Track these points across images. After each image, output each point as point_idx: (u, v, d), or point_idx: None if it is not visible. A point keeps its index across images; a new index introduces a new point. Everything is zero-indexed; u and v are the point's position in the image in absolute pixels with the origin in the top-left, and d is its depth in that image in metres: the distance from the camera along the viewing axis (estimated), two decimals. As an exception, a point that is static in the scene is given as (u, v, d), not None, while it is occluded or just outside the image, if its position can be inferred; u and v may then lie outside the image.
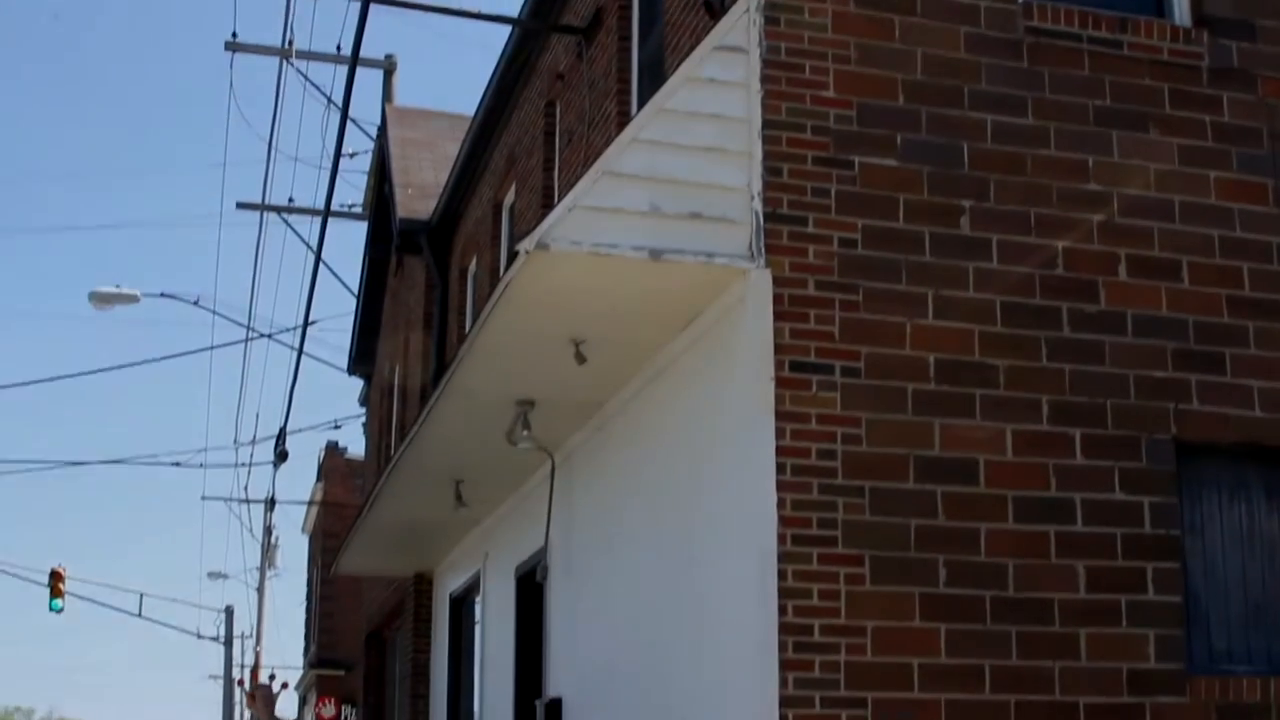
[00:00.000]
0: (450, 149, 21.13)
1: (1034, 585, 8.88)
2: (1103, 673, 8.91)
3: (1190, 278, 9.58)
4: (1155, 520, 9.19)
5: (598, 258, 8.81)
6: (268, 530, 50.76)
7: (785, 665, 8.40)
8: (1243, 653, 9.42)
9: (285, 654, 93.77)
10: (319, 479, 46.83)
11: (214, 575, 63.38)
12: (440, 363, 18.94)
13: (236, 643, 52.50)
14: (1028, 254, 9.31)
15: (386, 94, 28.83)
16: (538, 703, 13.01)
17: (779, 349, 8.77)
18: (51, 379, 58.13)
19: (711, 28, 9.40)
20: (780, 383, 8.72)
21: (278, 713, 16.38)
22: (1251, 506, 9.63)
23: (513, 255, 9.06)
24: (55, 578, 41.00)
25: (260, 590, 54.29)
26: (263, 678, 52.41)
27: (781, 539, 8.52)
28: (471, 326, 10.66)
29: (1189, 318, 9.52)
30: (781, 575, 8.48)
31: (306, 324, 22.54)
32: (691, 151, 8.97)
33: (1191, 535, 9.42)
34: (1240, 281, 9.67)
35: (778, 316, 8.81)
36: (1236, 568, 9.53)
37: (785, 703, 8.37)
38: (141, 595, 48.04)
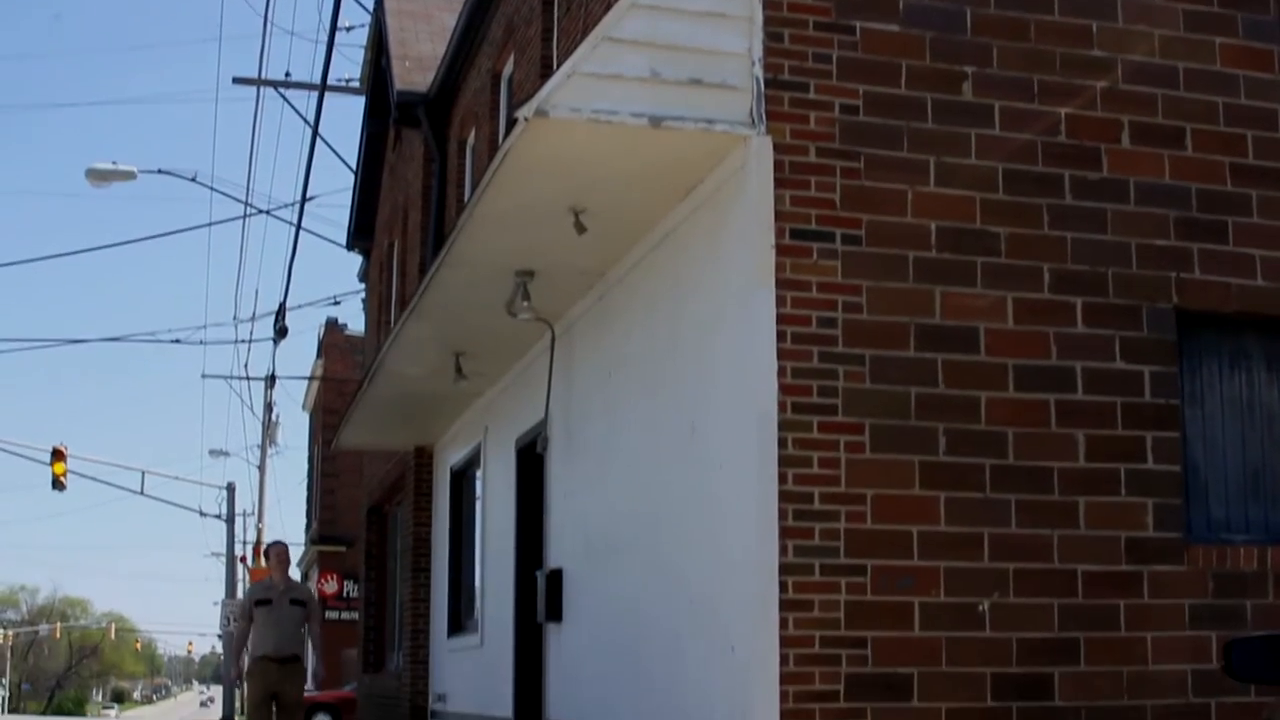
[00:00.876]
0: (448, 20, 20.92)
1: (1033, 454, 8.89)
2: (1101, 541, 8.95)
3: (1194, 145, 9.50)
4: (1155, 389, 9.19)
5: (597, 125, 8.74)
6: (268, 407, 50.86)
7: (785, 533, 8.44)
8: (1240, 522, 9.46)
9: (287, 531, 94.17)
10: (319, 355, 46.94)
11: (215, 453, 63.81)
12: (439, 236, 18.86)
13: (238, 520, 52.70)
14: (1030, 121, 9.23)
15: (383, -35, 28.48)
16: (539, 574, 13.08)
17: (779, 216, 8.73)
18: (50, 257, 58.00)
19: (712, -110, 9.25)
20: (781, 250, 8.68)
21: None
22: (1251, 376, 9.63)
23: (512, 123, 8.99)
24: (57, 456, 41.15)
25: (261, 467, 54.49)
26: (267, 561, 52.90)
27: (782, 407, 8.52)
28: (470, 197, 10.60)
29: (1191, 186, 9.46)
30: (781, 443, 8.50)
31: (304, 199, 22.49)
32: (692, 16, 8.86)
33: (1191, 405, 9.43)
34: (1244, 149, 9.59)
35: (778, 184, 8.76)
36: (1235, 437, 9.54)
37: (785, 570, 8.41)
38: (143, 473, 48.20)
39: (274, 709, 15.01)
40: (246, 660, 15.53)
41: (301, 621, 15.24)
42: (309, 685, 17.57)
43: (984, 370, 8.88)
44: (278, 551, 15.85)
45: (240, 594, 54.35)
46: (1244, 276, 9.47)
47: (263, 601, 15.15)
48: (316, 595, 47.55)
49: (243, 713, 50.63)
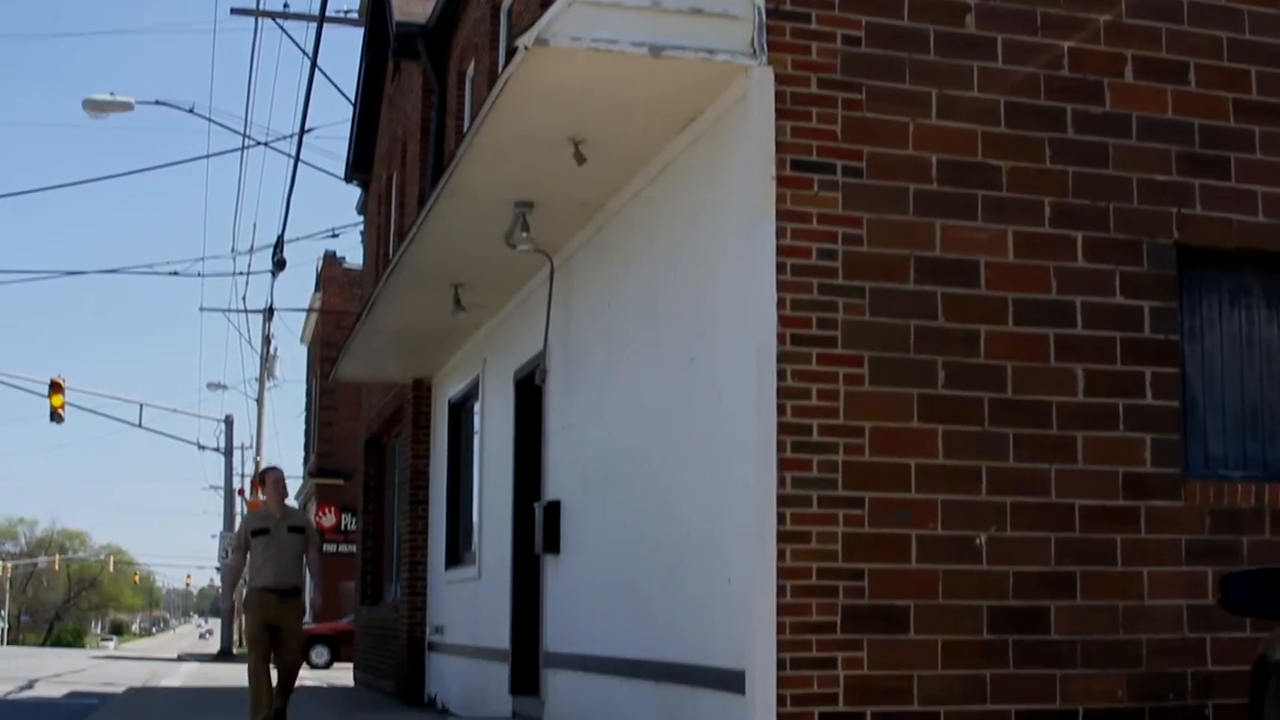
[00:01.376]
0: (448, -49, 20.78)
1: (1032, 388, 8.89)
2: (1099, 476, 8.96)
3: (1197, 80, 9.45)
4: (1155, 325, 9.18)
5: (597, 54, 8.68)
6: (266, 340, 50.86)
7: (783, 465, 8.45)
8: (1238, 458, 9.47)
9: (285, 464, 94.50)
10: (317, 289, 46.91)
11: (213, 386, 63.93)
12: (438, 168, 18.79)
13: (236, 453, 52.90)
14: (1033, 54, 9.18)
15: (383, -105, 28.30)
16: (536, 505, 13.11)
17: (780, 148, 8.69)
18: (48, 188, 57.84)
19: None
20: (781, 182, 8.65)
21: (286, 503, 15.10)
22: (1251, 313, 9.62)
23: (511, 52, 8.94)
24: (55, 388, 41.22)
25: (259, 400, 54.58)
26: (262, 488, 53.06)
27: (781, 339, 8.52)
28: (469, 127, 10.56)
29: (1194, 121, 9.42)
30: (780, 375, 8.49)
31: (303, 131, 22.47)
32: (694, -55, 8.79)
33: (1191, 340, 9.42)
34: (1247, 85, 9.54)
35: (779, 115, 8.72)
36: (1234, 374, 9.54)
37: (783, 502, 8.42)
38: (141, 406, 48.34)
39: (273, 642, 14.05)
40: (244, 592, 14.97)
41: (301, 550, 14.33)
42: (307, 617, 17.22)
43: (984, 304, 8.87)
44: (274, 478, 14.89)
45: (239, 526, 54.76)
46: (1245, 213, 9.44)
47: (260, 531, 14.28)
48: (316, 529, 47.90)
49: (240, 646, 50.91)
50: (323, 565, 15.12)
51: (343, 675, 30.39)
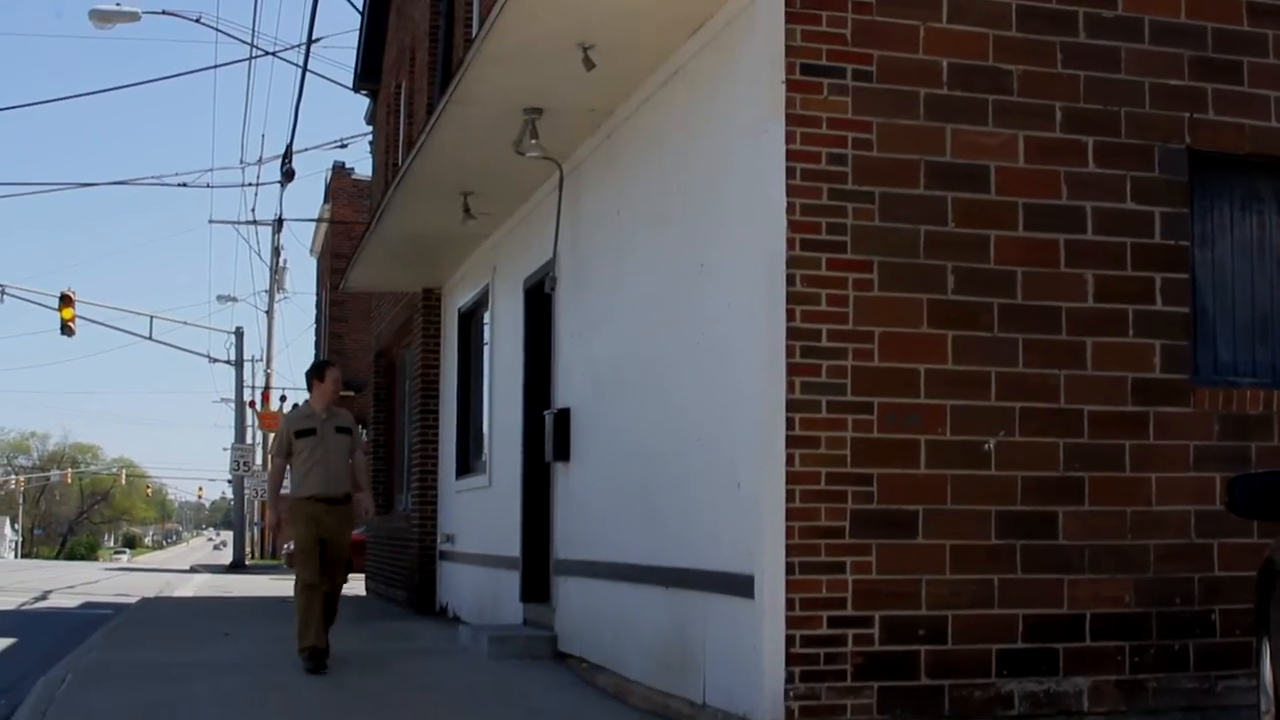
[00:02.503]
0: None
1: (1042, 293, 8.88)
2: (1108, 382, 8.96)
3: (1211, -17, 9.36)
4: (1165, 231, 9.15)
5: (606, -43, 8.62)
6: (276, 251, 50.87)
7: (792, 370, 8.45)
8: (1247, 365, 9.46)
9: (295, 376, 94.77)
10: (326, 200, 46.79)
11: (223, 299, 63.84)
12: (446, 76, 18.69)
13: (247, 366, 53.07)
14: (1046, -44, 9.08)
15: None
16: (546, 414, 13.14)
17: (790, 51, 8.63)
18: (56, 100, 57.65)
19: None
20: (791, 86, 8.60)
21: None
22: (1263, 219, 9.58)
23: (520, -45, 8.88)
24: (65, 301, 41.23)
25: (269, 312, 54.66)
26: (273, 399, 53.21)
27: (790, 244, 8.49)
28: (478, 34, 10.50)
29: (1208, 25, 9.33)
30: (790, 280, 8.48)
31: (310, 41, 22.33)
32: None
33: (1201, 247, 9.39)
34: (1262, -12, 9.45)
35: (789, 18, 8.64)
36: (1245, 280, 9.51)
37: (792, 407, 8.43)
38: (152, 318, 48.39)
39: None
40: (288, 501, 13.08)
41: (348, 453, 12.87)
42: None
43: (994, 209, 8.84)
44: (324, 374, 13.09)
45: (250, 438, 54.87)
46: (1258, 118, 9.38)
47: (305, 432, 12.77)
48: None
49: (254, 557, 50.68)
50: (367, 468, 13.72)
51: (355, 585, 30.55)
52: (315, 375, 13.11)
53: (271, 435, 56.96)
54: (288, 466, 13.05)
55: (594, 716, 9.98)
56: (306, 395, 13.33)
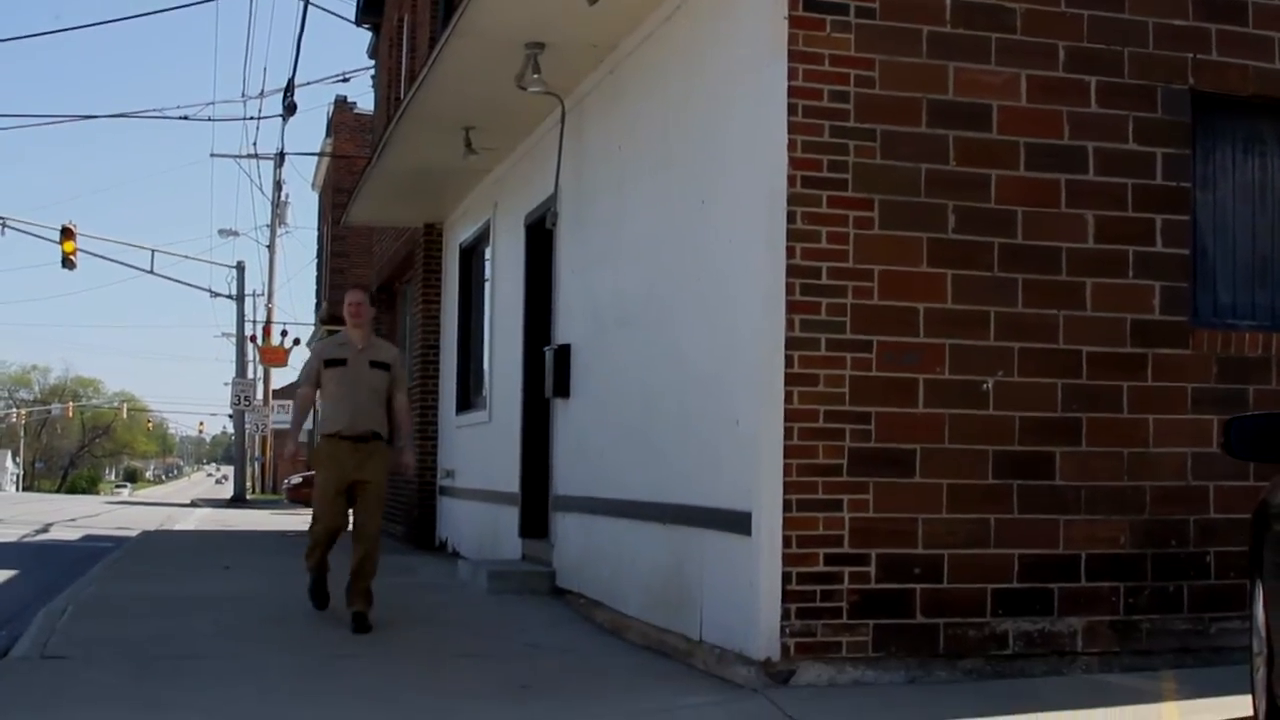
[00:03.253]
0: None
1: (1043, 233, 8.86)
2: (1107, 322, 8.96)
3: (1217, -77, 9.30)
4: (1167, 172, 9.12)
5: (610, -110, 8.57)
6: (277, 185, 50.79)
7: (791, 308, 8.45)
8: (1247, 307, 9.45)
9: (297, 311, 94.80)
10: (328, 134, 46.63)
11: (225, 233, 63.81)
12: (449, 9, 18.61)
13: (248, 300, 53.07)
14: (1051, -106, 9.02)
15: None
16: (547, 350, 13.15)
17: (793, -13, 8.58)
18: (56, 31, 57.41)
19: None
20: (793, 22, 8.55)
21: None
22: (1265, 161, 9.54)
23: (523, -112, 8.82)
24: (66, 234, 41.20)
25: (271, 247, 54.66)
26: (274, 334, 53.22)
27: (791, 181, 8.47)
28: (481, -34, 10.46)
29: (1213, -36, 9.28)
30: (790, 218, 8.46)
31: (314, -28, 22.13)
32: None
33: (1203, 189, 9.36)
34: (1269, -72, 9.39)
35: (792, -46, 8.59)
36: (1246, 223, 9.49)
37: (791, 345, 8.44)
38: (153, 252, 48.35)
39: (350, 504, 11.38)
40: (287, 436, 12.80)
41: (384, 390, 11.37)
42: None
43: (995, 148, 8.81)
44: (347, 298, 11.79)
45: (251, 373, 54.94)
46: (1262, 59, 9.33)
47: (334, 362, 11.40)
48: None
49: (256, 492, 50.61)
50: (411, 415, 12.25)
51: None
52: (343, 304, 11.75)
53: (273, 370, 57.05)
54: (316, 398, 11.95)
55: (592, 652, 10.03)
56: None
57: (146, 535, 24.36)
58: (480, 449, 16.96)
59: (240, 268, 51.02)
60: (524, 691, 8.46)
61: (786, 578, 8.32)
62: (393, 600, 12.07)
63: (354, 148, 42.05)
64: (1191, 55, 9.19)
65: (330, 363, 11.40)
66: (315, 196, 54.93)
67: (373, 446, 11.22)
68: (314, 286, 55.52)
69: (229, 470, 74.05)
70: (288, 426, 59.90)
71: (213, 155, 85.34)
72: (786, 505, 8.36)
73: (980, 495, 8.67)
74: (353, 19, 28.27)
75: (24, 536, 25.11)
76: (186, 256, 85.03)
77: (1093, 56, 9.00)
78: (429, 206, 19.21)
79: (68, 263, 41.17)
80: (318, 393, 11.74)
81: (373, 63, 29.68)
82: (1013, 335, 8.77)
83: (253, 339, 53.33)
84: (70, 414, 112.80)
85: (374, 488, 11.19)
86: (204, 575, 15.42)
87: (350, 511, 11.41)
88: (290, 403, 58.91)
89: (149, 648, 9.87)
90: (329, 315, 47.94)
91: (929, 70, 8.73)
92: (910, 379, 8.60)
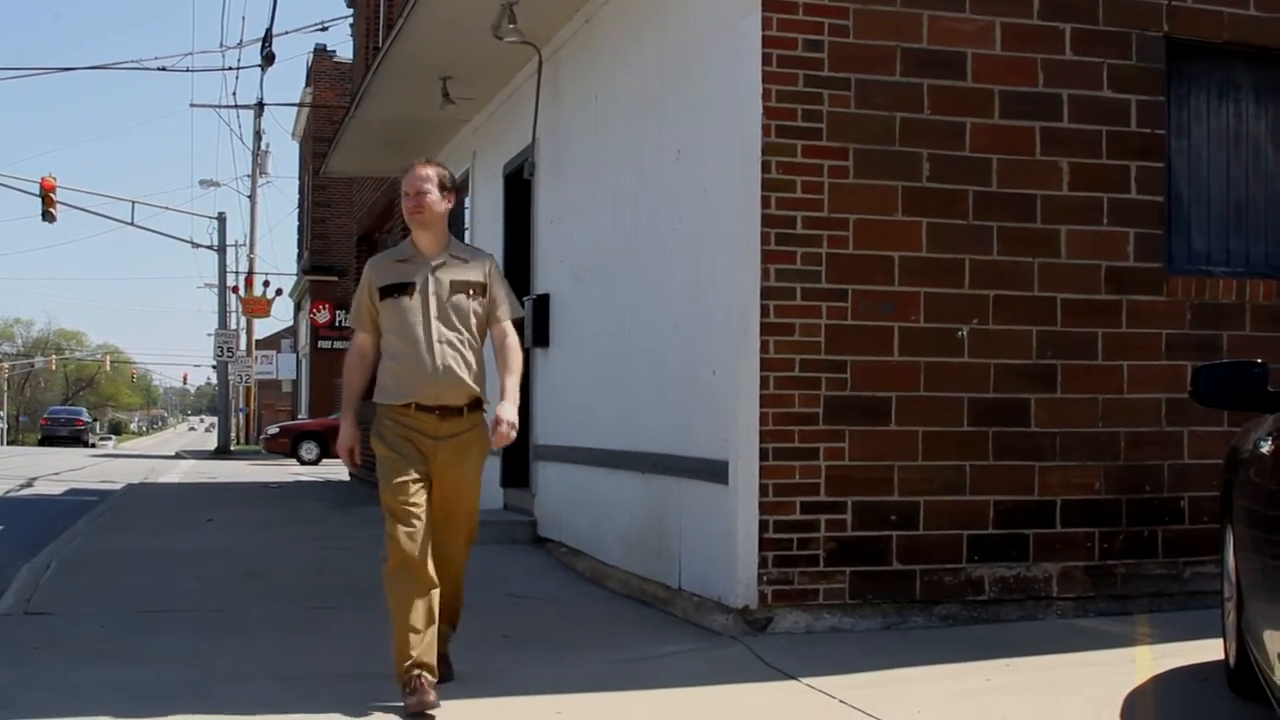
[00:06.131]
0: None
1: (1017, 181, 8.88)
2: (1082, 270, 8.99)
3: None
4: (1142, 119, 9.14)
5: None
6: (258, 135, 50.60)
7: (767, 257, 8.46)
8: (1221, 253, 9.49)
9: (278, 262, 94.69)
10: (308, 83, 46.52)
11: (205, 183, 63.69)
12: (427, -40, 18.58)
13: (230, 251, 52.89)
14: None
15: None
16: (526, 299, 13.15)
17: (767, -64, 8.57)
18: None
19: None
20: (768, -29, 8.54)
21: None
22: (1240, 108, 9.56)
23: None
24: (46, 186, 41.07)
25: (252, 197, 54.51)
26: (257, 285, 53.13)
27: (766, 130, 8.47)
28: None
29: (1189, -90, 9.28)
30: (765, 167, 8.47)
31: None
32: None
33: (1178, 135, 9.38)
34: (1243, -127, 9.38)
35: (766, -98, 8.58)
36: (1220, 169, 9.52)
37: (766, 294, 8.46)
38: (134, 204, 48.15)
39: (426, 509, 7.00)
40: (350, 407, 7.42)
41: (478, 326, 7.22)
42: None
43: (970, 96, 8.81)
44: (418, 188, 7.16)
45: (234, 324, 54.84)
46: (1236, 6, 9.33)
47: (394, 288, 7.14)
48: (310, 325, 48.10)
49: (240, 442, 50.30)
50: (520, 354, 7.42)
51: (337, 470, 30.74)
52: (409, 190, 7.22)
53: (255, 320, 56.98)
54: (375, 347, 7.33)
55: (572, 600, 10.09)
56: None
57: (130, 488, 24.40)
58: (462, 399, 16.95)
59: (221, 218, 50.84)
60: (505, 641, 8.51)
61: (763, 526, 8.37)
62: (374, 550, 12.09)
63: (334, 96, 41.97)
64: (1166, 2, 9.19)
65: (388, 290, 7.16)
66: (296, 145, 54.79)
67: (463, 422, 7.18)
68: (296, 236, 55.46)
69: (214, 420, 74.00)
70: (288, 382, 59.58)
71: (192, 105, 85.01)
72: (763, 454, 8.40)
73: (956, 443, 8.71)
74: (330, -33, 28.11)
75: (8, 491, 25.12)
76: (167, 208, 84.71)
77: (1067, 3, 9.00)
78: (408, 156, 18.81)
79: (48, 215, 41.04)
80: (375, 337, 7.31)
81: (351, 11, 29.55)
82: (987, 283, 8.80)
83: (235, 290, 53.24)
84: (53, 367, 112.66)
85: (460, 488, 7.24)
86: (188, 528, 15.45)
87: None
88: (273, 353, 59.08)
89: (133, 602, 9.91)
90: (311, 265, 48.01)
91: (903, 18, 8.72)
92: (886, 327, 8.63)
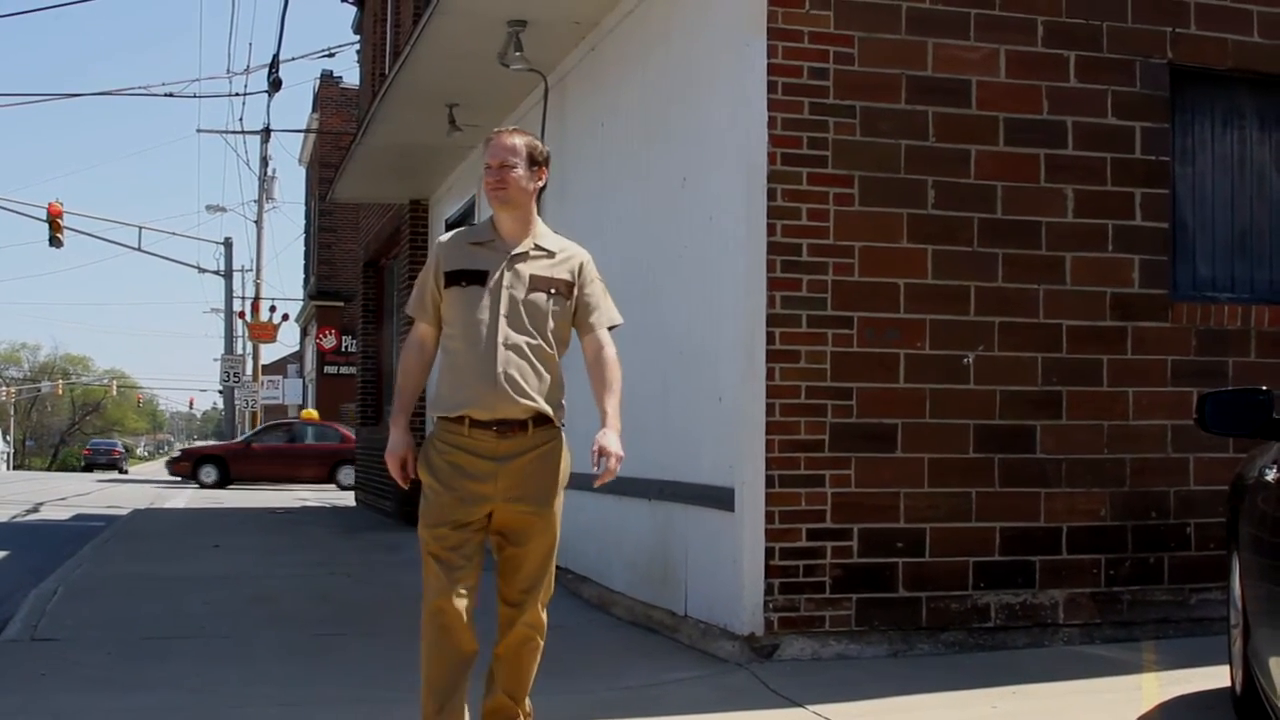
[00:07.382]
0: None
1: (1022, 208, 8.90)
2: (1087, 296, 9.00)
3: (1195, -104, 9.32)
4: (1146, 146, 9.16)
5: None
6: (264, 161, 50.68)
7: (772, 284, 8.48)
8: (1226, 280, 9.50)
9: (285, 287, 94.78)
10: (314, 109, 46.64)
11: (212, 208, 63.95)
12: (433, -13, 18.63)
13: (236, 276, 52.99)
14: None
15: None
16: (531, 326, 13.15)
17: (772, -35, 8.59)
18: (39, 9, 57.25)
19: None
20: (773, 0, 8.58)
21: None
22: (1244, 134, 9.58)
23: None
24: (53, 212, 41.19)
25: (259, 222, 54.55)
26: (263, 310, 53.17)
27: (771, 158, 8.50)
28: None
29: (1192, -62, 9.31)
30: (771, 195, 8.50)
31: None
32: None
33: (1182, 162, 9.40)
34: (1247, -99, 9.41)
35: (771, -68, 8.61)
36: (1225, 196, 9.54)
37: (772, 321, 8.47)
38: (140, 229, 48.33)
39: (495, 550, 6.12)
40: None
41: (556, 331, 6.25)
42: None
43: (975, 123, 8.84)
44: (502, 159, 5.96)
45: (240, 349, 54.86)
46: (1240, 32, 9.37)
47: (464, 275, 5.97)
48: (316, 350, 48.09)
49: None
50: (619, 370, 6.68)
51: (343, 496, 30.74)
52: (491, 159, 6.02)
53: (261, 346, 57.07)
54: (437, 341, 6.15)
55: (579, 627, 10.08)
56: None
57: (137, 514, 24.41)
58: (468, 425, 16.94)
59: (228, 243, 51.00)
60: (510, 668, 8.49)
61: (769, 553, 8.38)
62: (381, 577, 12.14)
63: (340, 122, 42.07)
64: (1170, 29, 9.22)
65: (456, 277, 5.99)
66: (303, 171, 54.91)
67: (528, 439, 6.14)
68: (302, 261, 55.55)
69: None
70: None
71: (199, 131, 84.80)
72: (769, 481, 8.41)
73: (962, 469, 8.72)
74: (337, -7, 28.21)
75: (15, 516, 25.14)
76: (174, 233, 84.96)
77: (1071, 31, 9.03)
78: (414, 183, 19.21)
79: (55, 241, 41.14)
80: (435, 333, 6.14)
81: (358, 38, 29.63)
82: (993, 310, 8.82)
83: (241, 315, 53.30)
84: (60, 392, 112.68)
85: (530, 528, 6.18)
86: (194, 554, 15.46)
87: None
88: (279, 378, 59.03)
89: (139, 628, 9.92)
90: (317, 290, 48.06)
91: (908, 46, 8.76)
92: (891, 354, 8.64)
